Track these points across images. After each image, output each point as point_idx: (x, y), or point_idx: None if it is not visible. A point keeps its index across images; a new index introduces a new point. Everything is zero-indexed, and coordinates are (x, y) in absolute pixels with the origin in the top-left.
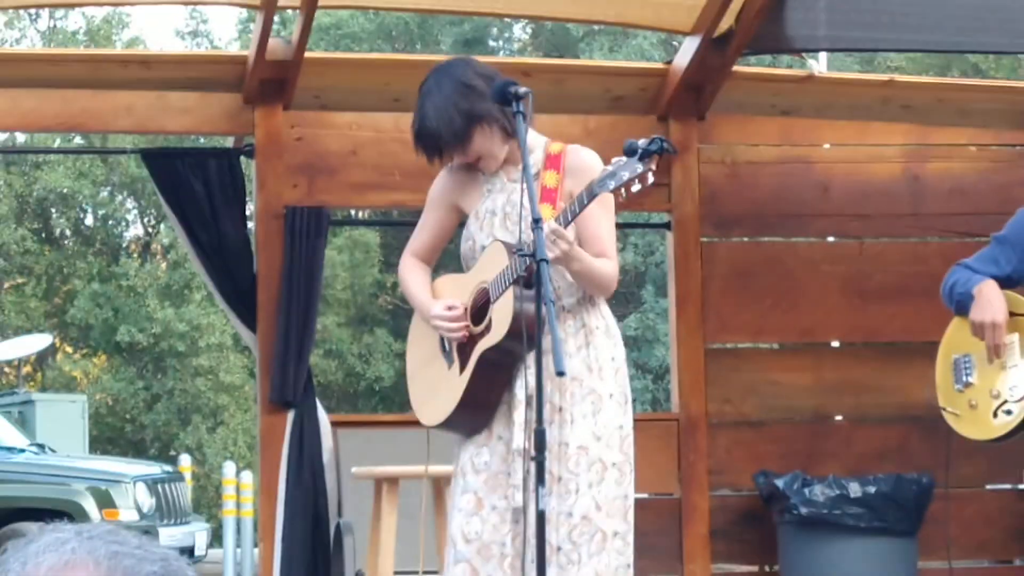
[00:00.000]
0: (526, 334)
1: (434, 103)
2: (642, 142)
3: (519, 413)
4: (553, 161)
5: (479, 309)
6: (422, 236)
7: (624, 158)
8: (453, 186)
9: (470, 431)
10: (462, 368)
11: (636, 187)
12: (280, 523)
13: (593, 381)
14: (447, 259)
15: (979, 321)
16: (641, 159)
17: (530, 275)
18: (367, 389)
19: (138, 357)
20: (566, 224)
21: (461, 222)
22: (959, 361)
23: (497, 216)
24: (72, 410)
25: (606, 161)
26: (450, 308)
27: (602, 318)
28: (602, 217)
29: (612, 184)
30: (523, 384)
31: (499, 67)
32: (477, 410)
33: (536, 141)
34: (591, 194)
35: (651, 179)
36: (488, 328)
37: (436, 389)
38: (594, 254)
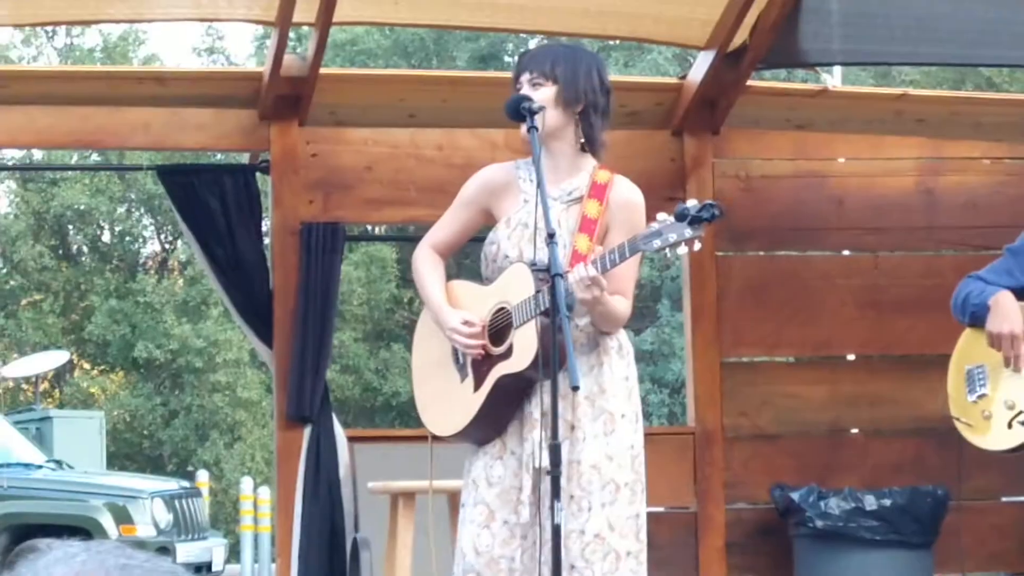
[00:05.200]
0: (553, 362)
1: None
2: (692, 206)
3: (535, 431)
4: (598, 191)
5: (498, 329)
6: (445, 231)
7: (671, 218)
8: (490, 189)
9: (481, 441)
10: (476, 385)
11: (682, 250)
12: (297, 538)
13: (606, 401)
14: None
15: (996, 332)
16: (691, 224)
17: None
18: (384, 404)
19: (155, 373)
20: (602, 271)
21: (487, 224)
22: (972, 372)
23: (528, 230)
24: (90, 426)
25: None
26: (467, 323)
27: (615, 338)
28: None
29: (657, 244)
30: (539, 403)
31: None
32: (490, 425)
33: (585, 163)
34: (633, 249)
35: (698, 246)
36: (509, 353)
37: (447, 400)
38: (613, 290)
